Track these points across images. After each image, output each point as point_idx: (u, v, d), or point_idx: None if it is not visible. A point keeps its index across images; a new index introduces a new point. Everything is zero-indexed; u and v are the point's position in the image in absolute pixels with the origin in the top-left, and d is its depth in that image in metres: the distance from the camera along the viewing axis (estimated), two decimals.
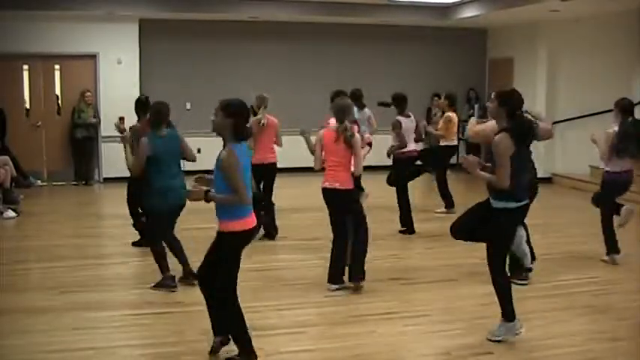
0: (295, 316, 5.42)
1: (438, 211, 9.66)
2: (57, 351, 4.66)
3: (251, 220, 4.32)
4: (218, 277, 4.33)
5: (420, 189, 10.80)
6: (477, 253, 6.24)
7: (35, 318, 5.29)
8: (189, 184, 4.64)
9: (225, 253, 4.31)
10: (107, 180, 12.46)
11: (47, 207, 10.63)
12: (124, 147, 6.42)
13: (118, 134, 6.85)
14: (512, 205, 4.69)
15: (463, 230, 5.02)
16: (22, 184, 10.81)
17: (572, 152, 12.31)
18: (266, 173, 7.76)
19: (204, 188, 4.25)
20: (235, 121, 4.20)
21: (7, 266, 6.84)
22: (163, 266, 6.05)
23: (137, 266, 7.00)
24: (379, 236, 8.19)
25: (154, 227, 6.16)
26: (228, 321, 4.42)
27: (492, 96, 4.84)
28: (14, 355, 4.61)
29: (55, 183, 12.37)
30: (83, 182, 12.39)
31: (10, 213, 9.30)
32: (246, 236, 4.33)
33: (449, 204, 9.70)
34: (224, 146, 4.27)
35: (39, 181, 12.02)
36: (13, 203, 9.64)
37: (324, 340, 4.98)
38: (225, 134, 4.26)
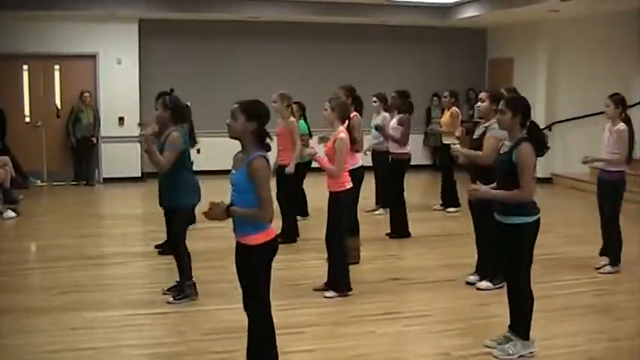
0: (295, 316, 5.40)
1: (437, 208, 9.84)
2: (57, 351, 4.66)
3: (273, 229, 4.00)
4: (249, 295, 4.08)
5: (420, 188, 10.79)
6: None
7: (35, 318, 5.29)
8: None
9: (255, 268, 4.02)
10: (107, 180, 12.46)
11: (47, 207, 10.63)
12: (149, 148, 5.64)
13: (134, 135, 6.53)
14: (533, 218, 4.46)
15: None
16: (21, 184, 10.80)
17: (572, 152, 12.26)
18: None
19: (225, 204, 3.79)
20: (259, 125, 3.81)
21: (7, 266, 6.83)
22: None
23: (137, 266, 7.00)
24: (379, 236, 8.22)
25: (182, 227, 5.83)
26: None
27: (501, 105, 4.50)
28: (14, 355, 4.61)
29: (55, 183, 12.36)
30: (83, 182, 12.38)
31: (10, 213, 9.29)
32: (274, 246, 3.99)
33: (446, 204, 9.78)
34: (242, 152, 3.91)
35: (39, 181, 12.02)
36: (13, 203, 9.64)
37: (324, 340, 4.98)
38: (246, 140, 3.83)
